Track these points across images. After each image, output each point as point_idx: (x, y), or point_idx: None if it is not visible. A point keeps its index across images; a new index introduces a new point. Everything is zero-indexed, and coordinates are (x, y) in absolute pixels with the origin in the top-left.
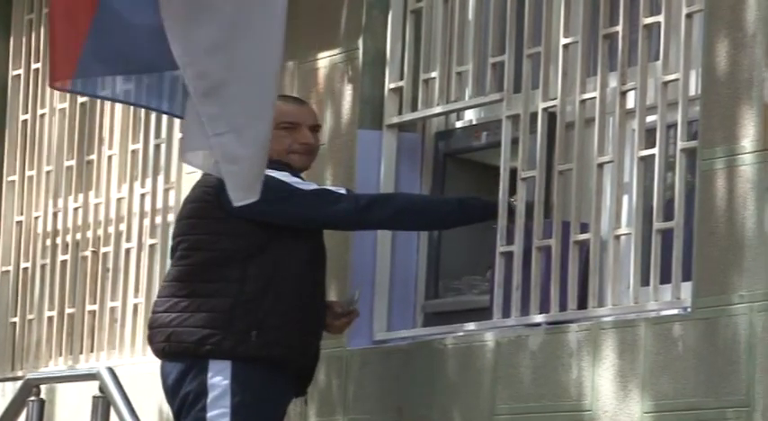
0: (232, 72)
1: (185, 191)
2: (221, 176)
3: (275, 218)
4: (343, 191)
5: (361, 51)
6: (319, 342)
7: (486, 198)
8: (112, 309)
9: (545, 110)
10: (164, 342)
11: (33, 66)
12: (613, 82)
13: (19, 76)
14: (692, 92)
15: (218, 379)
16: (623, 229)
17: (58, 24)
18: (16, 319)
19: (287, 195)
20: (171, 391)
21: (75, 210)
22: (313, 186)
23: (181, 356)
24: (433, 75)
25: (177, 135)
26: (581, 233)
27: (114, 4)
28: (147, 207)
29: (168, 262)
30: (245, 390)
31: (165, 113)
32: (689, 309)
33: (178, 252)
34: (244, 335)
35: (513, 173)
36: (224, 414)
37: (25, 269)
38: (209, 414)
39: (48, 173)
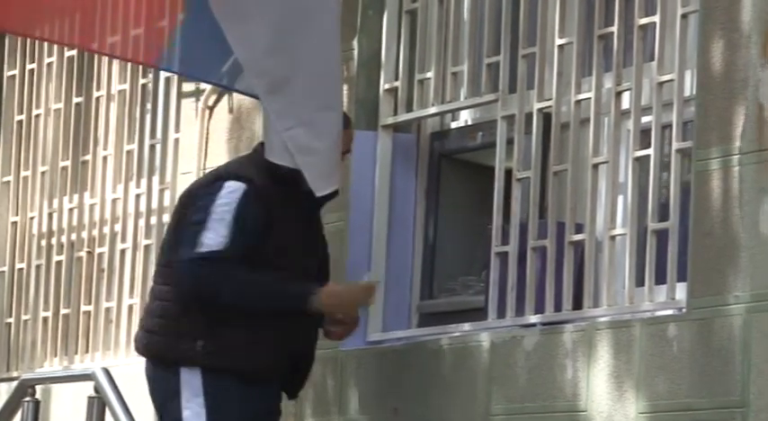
0: (293, 68)
1: (180, 191)
2: (300, 168)
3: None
4: (218, 247)
5: (356, 52)
6: (302, 351)
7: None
8: (108, 310)
9: (540, 110)
10: (135, 341)
11: (28, 66)
12: (608, 82)
13: (14, 76)
14: (686, 92)
15: (181, 380)
16: (618, 230)
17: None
18: (11, 320)
19: (195, 209)
20: (149, 389)
21: (71, 210)
22: (216, 225)
23: (145, 356)
24: (429, 75)
25: (172, 135)
26: (576, 233)
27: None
28: (143, 207)
29: None
30: (200, 396)
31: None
32: (684, 310)
33: None
34: (191, 343)
35: (509, 173)
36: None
37: (20, 269)
38: (183, 413)
39: (43, 173)
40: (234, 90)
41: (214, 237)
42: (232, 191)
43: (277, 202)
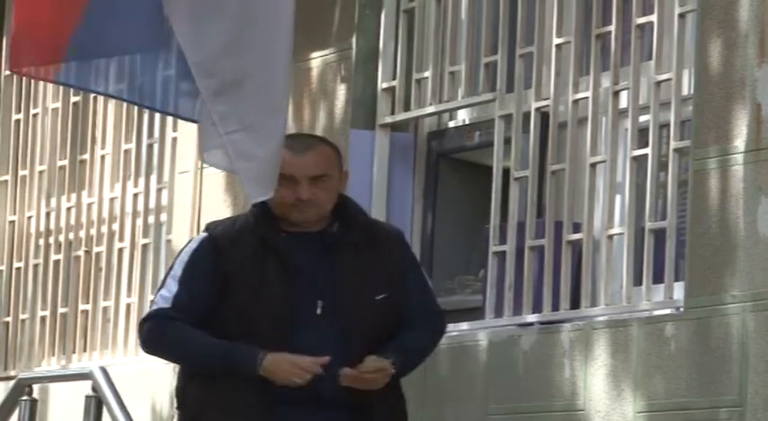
0: (242, 71)
1: (178, 190)
2: (237, 174)
3: None
4: (164, 304)
5: (353, 51)
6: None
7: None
8: (105, 309)
9: (538, 110)
10: None
11: None
12: (606, 82)
13: (12, 75)
14: (684, 91)
15: None
16: (616, 229)
17: (42, 7)
18: (9, 319)
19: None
20: None
21: (68, 209)
22: (172, 284)
23: None
24: (426, 74)
25: (170, 135)
26: (574, 233)
27: None
28: (140, 207)
29: (161, 261)
30: None
31: (158, 111)
32: (681, 309)
33: None
34: (178, 407)
35: (506, 172)
36: None
37: (18, 269)
38: None
39: (40, 172)
40: (162, 112)
41: (165, 293)
42: (192, 243)
43: (244, 254)
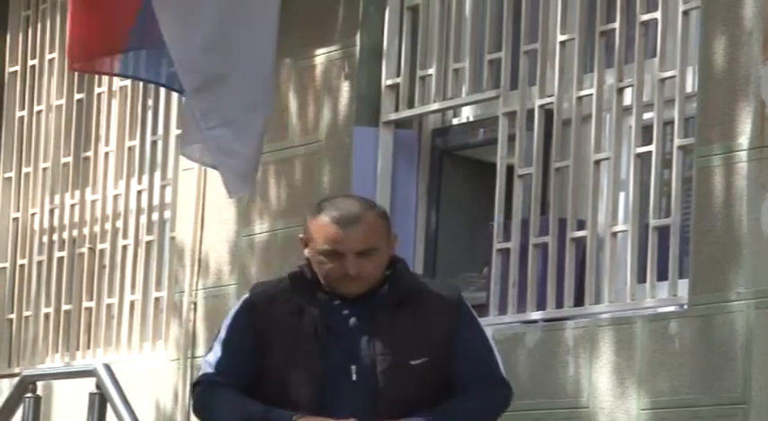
0: (227, 66)
1: (181, 187)
2: (217, 169)
3: None
4: (209, 369)
5: (357, 48)
6: None
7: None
8: (109, 306)
9: (542, 107)
10: None
11: (30, 62)
12: (610, 79)
13: (16, 72)
14: (688, 89)
15: None
16: (620, 226)
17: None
18: (13, 316)
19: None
20: None
21: (72, 206)
22: (217, 348)
23: None
24: (430, 71)
25: (174, 132)
26: (578, 230)
27: None
28: (144, 204)
29: (165, 258)
30: None
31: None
32: (685, 306)
33: None
34: None
35: (510, 170)
36: None
37: (22, 266)
38: None
39: (44, 169)
40: (161, 85)
41: (210, 358)
42: (236, 304)
43: (280, 318)
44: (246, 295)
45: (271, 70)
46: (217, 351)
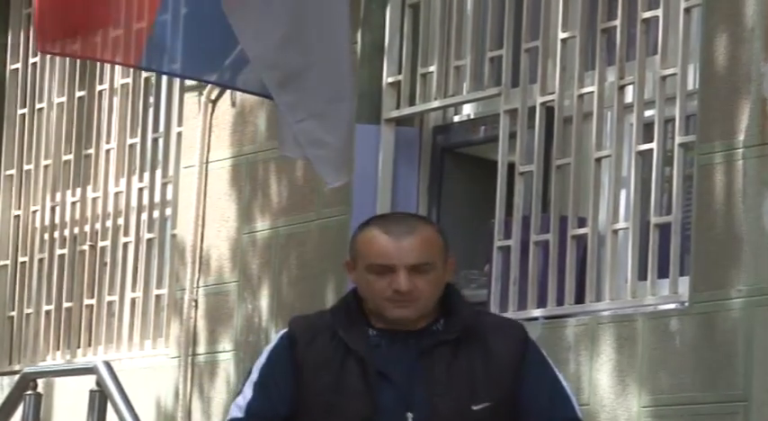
0: (305, 60)
1: (183, 185)
2: (309, 161)
3: None
4: (239, 414)
5: (359, 45)
6: None
7: None
8: (110, 304)
9: (543, 104)
10: None
11: (31, 60)
12: (611, 76)
13: (17, 70)
14: (690, 86)
15: None
16: (621, 224)
17: None
18: (14, 313)
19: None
20: None
21: (73, 204)
22: (247, 391)
23: None
24: (431, 69)
25: (175, 129)
26: (579, 227)
27: None
28: (145, 201)
29: (166, 255)
30: None
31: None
32: (686, 304)
33: None
34: None
35: (511, 167)
36: None
37: (23, 263)
38: None
39: (46, 167)
40: (234, 88)
41: (240, 402)
42: (272, 341)
43: (320, 357)
44: (285, 329)
45: (348, 59)
46: (247, 393)
